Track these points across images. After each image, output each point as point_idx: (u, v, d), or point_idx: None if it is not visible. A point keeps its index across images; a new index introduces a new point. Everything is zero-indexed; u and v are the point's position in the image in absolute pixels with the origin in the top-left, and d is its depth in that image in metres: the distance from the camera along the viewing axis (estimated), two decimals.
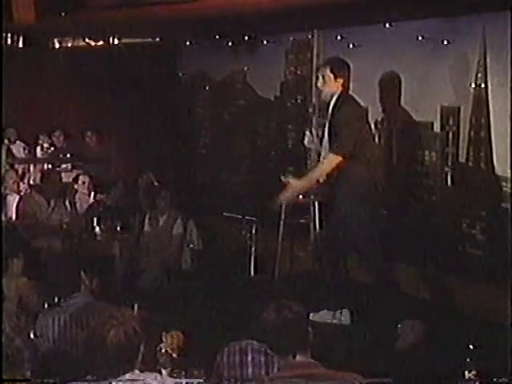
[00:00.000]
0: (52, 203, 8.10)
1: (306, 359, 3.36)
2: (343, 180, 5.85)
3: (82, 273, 4.59)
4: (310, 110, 6.35)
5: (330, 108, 5.92)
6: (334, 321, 5.88)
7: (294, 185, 5.88)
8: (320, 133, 6.30)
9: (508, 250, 5.82)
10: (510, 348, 4.79)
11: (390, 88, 6.88)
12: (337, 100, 5.87)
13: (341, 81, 5.87)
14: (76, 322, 4.31)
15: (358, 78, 6.47)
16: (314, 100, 6.43)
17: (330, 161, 5.79)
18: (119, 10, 6.94)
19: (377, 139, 7.11)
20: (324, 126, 6.09)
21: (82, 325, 4.28)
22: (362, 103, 6.22)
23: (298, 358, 3.37)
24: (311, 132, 6.32)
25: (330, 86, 5.89)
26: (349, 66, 5.98)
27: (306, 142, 6.39)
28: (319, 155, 6.26)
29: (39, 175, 9.11)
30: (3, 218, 7.91)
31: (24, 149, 9.62)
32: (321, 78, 5.93)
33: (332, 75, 5.87)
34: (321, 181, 5.99)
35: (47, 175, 8.53)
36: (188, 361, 3.98)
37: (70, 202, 8.41)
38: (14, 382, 3.52)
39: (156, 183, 8.90)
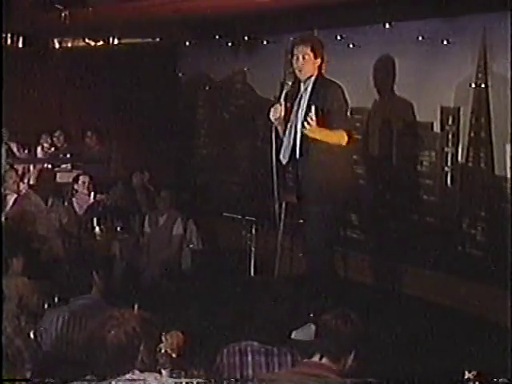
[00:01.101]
0: (49, 203, 8.08)
1: (323, 361, 3.39)
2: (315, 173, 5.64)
3: (94, 273, 4.60)
4: (289, 83, 5.62)
5: (308, 91, 5.61)
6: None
7: (313, 129, 5.40)
8: (290, 111, 5.74)
9: (508, 251, 5.82)
10: (510, 348, 4.78)
11: (385, 70, 6.82)
12: (315, 83, 5.59)
13: (319, 61, 5.59)
14: (76, 322, 4.31)
15: (358, 77, 6.48)
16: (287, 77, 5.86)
17: (344, 135, 5.48)
18: (119, 9, 6.94)
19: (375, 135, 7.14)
20: (297, 107, 5.68)
21: (81, 325, 4.28)
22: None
23: (315, 358, 3.41)
24: (285, 104, 5.69)
25: (308, 66, 5.57)
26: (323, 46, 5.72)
27: (272, 113, 5.70)
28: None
29: (35, 175, 9.10)
30: (3, 217, 7.90)
31: (18, 149, 9.60)
32: (301, 57, 5.57)
33: (312, 54, 5.57)
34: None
35: (41, 174, 8.52)
36: (188, 361, 3.98)
37: (69, 202, 8.41)
38: (14, 382, 3.51)
39: (151, 188, 8.88)
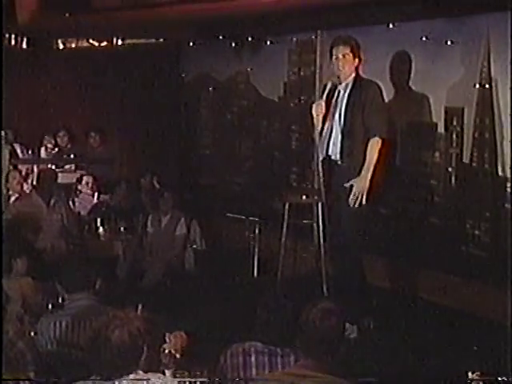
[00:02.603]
0: (52, 203, 8.07)
1: (308, 360, 3.36)
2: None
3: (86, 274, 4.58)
4: (333, 80, 5.73)
5: (347, 90, 5.71)
6: None
7: (361, 186, 5.56)
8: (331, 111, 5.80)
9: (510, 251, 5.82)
10: (510, 348, 4.78)
11: (401, 65, 6.83)
12: (354, 82, 5.69)
13: (357, 61, 5.71)
14: (80, 322, 4.31)
15: None
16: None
17: (375, 146, 5.57)
18: (123, 11, 6.95)
19: None
20: (334, 107, 5.76)
21: (85, 325, 4.28)
22: None
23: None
24: (326, 102, 5.74)
25: (349, 66, 5.68)
26: None
27: (314, 109, 5.80)
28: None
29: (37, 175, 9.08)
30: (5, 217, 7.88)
31: (22, 150, 9.60)
32: (341, 56, 5.66)
33: (352, 54, 5.69)
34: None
35: (43, 175, 8.52)
36: (191, 361, 3.97)
37: (73, 203, 8.41)
38: (16, 381, 3.52)
39: (158, 186, 8.89)
